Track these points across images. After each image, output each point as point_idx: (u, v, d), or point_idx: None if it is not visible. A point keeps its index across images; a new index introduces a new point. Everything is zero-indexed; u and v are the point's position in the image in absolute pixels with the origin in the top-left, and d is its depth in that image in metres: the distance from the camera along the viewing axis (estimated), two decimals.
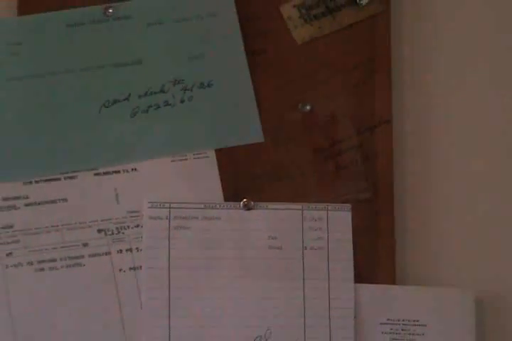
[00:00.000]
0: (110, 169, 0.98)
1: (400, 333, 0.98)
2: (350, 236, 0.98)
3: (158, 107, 0.98)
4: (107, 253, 0.97)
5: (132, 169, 0.97)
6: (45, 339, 0.96)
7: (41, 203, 0.97)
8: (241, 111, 0.99)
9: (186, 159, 0.98)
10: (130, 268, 0.96)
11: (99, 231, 0.97)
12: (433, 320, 0.98)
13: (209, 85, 0.98)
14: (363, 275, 0.98)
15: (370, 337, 0.97)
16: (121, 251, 0.97)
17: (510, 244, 1.02)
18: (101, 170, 0.97)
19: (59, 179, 0.97)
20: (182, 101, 0.98)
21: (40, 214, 0.97)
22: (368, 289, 0.97)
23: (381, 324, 0.97)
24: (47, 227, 0.97)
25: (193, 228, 0.97)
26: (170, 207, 0.97)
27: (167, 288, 0.96)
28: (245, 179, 0.99)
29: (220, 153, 0.99)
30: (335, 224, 0.98)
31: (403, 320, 0.98)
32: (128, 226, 0.97)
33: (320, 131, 1.00)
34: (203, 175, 0.98)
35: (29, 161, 0.97)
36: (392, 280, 0.98)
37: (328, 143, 1.00)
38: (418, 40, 1.03)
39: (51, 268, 0.96)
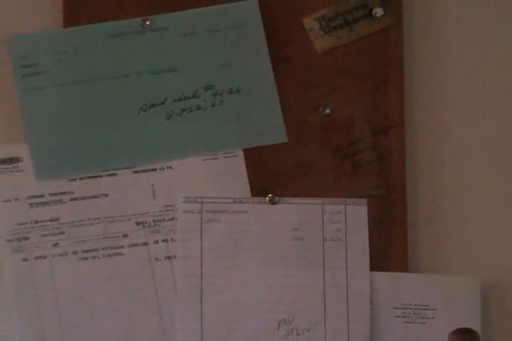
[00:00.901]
0: (147, 167, 1.02)
1: (411, 317, 1.02)
2: (366, 228, 1.02)
3: (191, 111, 1.02)
4: (145, 244, 1.01)
5: (167, 167, 1.02)
6: (87, 324, 1.01)
7: (85, 198, 1.01)
8: (266, 114, 1.03)
9: (217, 158, 1.02)
10: (165, 258, 1.01)
11: (138, 223, 1.01)
12: (442, 305, 1.02)
13: (237, 90, 1.02)
14: (377, 263, 1.02)
15: (384, 320, 1.02)
16: (157, 241, 1.01)
17: None
18: (139, 168, 1.02)
19: (101, 176, 1.01)
20: (213, 106, 1.02)
21: (84, 208, 1.01)
22: (382, 277, 1.02)
23: (394, 308, 1.02)
24: (90, 220, 1.01)
25: (223, 221, 1.01)
26: (202, 202, 1.01)
27: (199, 275, 1.00)
28: (270, 176, 1.03)
29: (247, 152, 1.02)
30: (352, 217, 1.02)
31: (415, 305, 1.02)
32: (164, 219, 1.01)
33: (338, 133, 1.04)
34: (232, 172, 1.02)
35: (74, 160, 1.02)
36: (405, 269, 1.02)
37: (345, 143, 1.04)
38: (429, 49, 1.07)
39: (94, 257, 1.01)
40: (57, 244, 1.01)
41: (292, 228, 1.02)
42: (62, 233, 1.01)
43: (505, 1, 1.08)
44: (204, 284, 1.01)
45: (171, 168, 1.02)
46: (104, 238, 1.01)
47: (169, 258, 1.01)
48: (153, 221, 1.02)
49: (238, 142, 1.02)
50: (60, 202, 1.01)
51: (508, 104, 1.07)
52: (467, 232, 1.05)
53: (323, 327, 1.01)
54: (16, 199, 1.01)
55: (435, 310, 1.02)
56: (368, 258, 1.02)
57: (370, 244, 1.03)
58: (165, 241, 1.01)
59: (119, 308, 1.01)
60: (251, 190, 1.03)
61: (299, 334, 1.01)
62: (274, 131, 1.03)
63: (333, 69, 1.04)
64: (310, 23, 1.03)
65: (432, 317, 1.02)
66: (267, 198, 1.02)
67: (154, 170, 1.02)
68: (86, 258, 1.01)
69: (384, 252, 1.03)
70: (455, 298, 1.03)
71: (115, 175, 1.02)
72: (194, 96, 1.02)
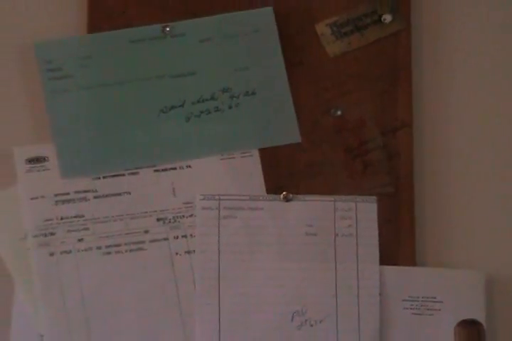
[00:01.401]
0: (168, 166, 1.04)
1: (419, 309, 1.04)
2: (375, 224, 1.04)
3: (209, 113, 1.04)
4: (165, 239, 1.03)
5: (187, 166, 1.04)
6: (110, 315, 1.03)
7: (108, 196, 1.03)
8: (281, 115, 1.05)
9: (234, 157, 1.04)
10: (185, 252, 1.03)
11: (159, 219, 1.03)
12: (448, 298, 1.04)
13: (253, 93, 1.04)
14: (387, 258, 1.04)
15: (393, 312, 1.03)
16: (177, 237, 1.03)
17: None
18: (159, 167, 1.04)
19: (123, 175, 1.03)
20: (230, 107, 1.04)
21: (107, 205, 1.03)
22: (391, 270, 1.04)
23: (403, 301, 1.03)
24: (113, 216, 1.03)
25: (240, 217, 1.03)
26: (219, 199, 1.03)
27: (217, 269, 1.02)
28: (285, 174, 1.05)
29: (262, 152, 1.04)
30: (362, 214, 1.04)
31: (422, 297, 1.04)
32: (183, 216, 1.03)
33: (349, 133, 1.06)
34: (248, 171, 1.04)
35: (98, 159, 1.04)
36: (413, 263, 1.04)
37: (356, 143, 1.05)
38: (436, 53, 1.08)
39: (117, 252, 1.03)
40: (81, 239, 1.03)
41: (305, 224, 1.04)
42: (87, 229, 1.03)
43: (510, 2, 1.08)
44: (221, 277, 1.02)
45: (190, 166, 1.04)
46: (126, 234, 1.03)
47: (188, 252, 1.03)
48: (173, 217, 1.03)
49: (254, 142, 1.04)
50: (85, 199, 1.03)
51: (508, 103, 1.09)
52: (472, 229, 1.07)
53: (334, 319, 1.02)
54: (43, 197, 1.03)
55: (442, 302, 1.04)
56: (377, 252, 1.04)
57: (379, 239, 1.04)
58: (184, 236, 1.03)
59: (141, 300, 1.02)
60: (266, 188, 1.04)
61: (311, 326, 1.02)
62: (288, 132, 1.05)
63: (344, 72, 1.06)
64: (322, 28, 1.05)
65: (439, 309, 1.04)
66: (282, 196, 1.04)
67: (174, 168, 1.04)
68: (109, 253, 1.03)
69: (393, 247, 1.04)
70: (461, 291, 1.04)
71: (137, 173, 1.03)
72: (212, 99, 1.04)
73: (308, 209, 1.04)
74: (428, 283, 1.04)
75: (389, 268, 1.04)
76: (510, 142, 1.09)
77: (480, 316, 1.03)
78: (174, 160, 1.04)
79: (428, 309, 1.04)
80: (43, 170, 1.03)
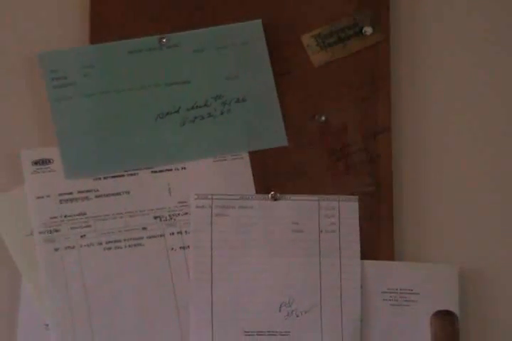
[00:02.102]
0: (164, 168, 1.06)
1: (397, 300, 1.07)
2: (357, 221, 1.07)
3: (203, 118, 1.06)
4: (162, 235, 1.06)
5: (182, 168, 1.06)
6: (111, 306, 1.05)
7: (108, 195, 1.06)
8: (269, 120, 1.08)
9: (225, 160, 1.07)
10: (180, 248, 1.06)
11: (155, 217, 1.06)
12: (424, 290, 1.07)
13: (243, 100, 1.07)
14: (367, 253, 1.07)
15: (373, 303, 1.06)
16: (173, 233, 1.06)
17: (486, 229, 1.11)
18: (157, 169, 1.06)
19: (123, 175, 1.06)
20: (222, 113, 1.07)
21: (108, 204, 1.06)
22: (371, 264, 1.07)
23: (382, 292, 1.07)
24: (113, 214, 1.06)
25: (231, 215, 1.06)
26: (212, 198, 1.06)
27: (210, 263, 1.05)
28: (273, 175, 1.07)
29: (252, 154, 1.07)
30: (345, 212, 1.07)
31: (400, 289, 1.07)
32: (178, 214, 1.06)
33: (333, 137, 1.08)
34: (239, 172, 1.07)
35: (99, 161, 1.06)
36: (392, 257, 1.07)
37: (339, 147, 1.08)
38: (413, 63, 1.11)
39: (116, 247, 1.05)
40: (84, 235, 1.05)
41: (292, 222, 1.07)
42: (89, 226, 1.05)
43: (481, 17, 1.13)
44: (214, 271, 1.05)
45: (184, 168, 1.06)
46: (125, 230, 1.06)
47: (183, 248, 1.06)
48: (169, 215, 1.06)
49: (244, 145, 1.07)
50: (87, 198, 1.06)
51: (480, 110, 1.12)
52: (446, 226, 1.10)
53: (319, 309, 1.05)
54: (48, 196, 1.05)
55: (418, 294, 1.07)
56: (358, 248, 1.06)
57: (360, 236, 1.07)
58: (179, 233, 1.06)
59: (139, 292, 1.05)
60: (255, 188, 1.07)
61: (297, 316, 1.05)
62: (275, 136, 1.07)
63: (328, 81, 1.08)
64: (307, 40, 1.08)
65: (416, 301, 1.07)
66: (270, 195, 1.06)
67: (170, 170, 1.06)
68: (110, 248, 1.05)
69: (373, 243, 1.07)
70: (436, 283, 1.07)
71: (136, 174, 1.06)
72: (205, 105, 1.06)
73: (294, 208, 1.07)
74: (405, 276, 1.07)
75: (369, 263, 1.07)
76: (481, 144, 1.12)
77: (453, 307, 1.06)
78: (170, 162, 1.06)
79: (405, 300, 1.07)
80: (48, 171, 1.05)
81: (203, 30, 1.07)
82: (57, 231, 1.05)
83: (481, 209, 1.11)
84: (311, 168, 1.09)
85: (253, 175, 1.08)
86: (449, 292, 1.07)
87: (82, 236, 1.06)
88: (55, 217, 1.05)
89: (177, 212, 1.07)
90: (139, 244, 1.06)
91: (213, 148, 1.07)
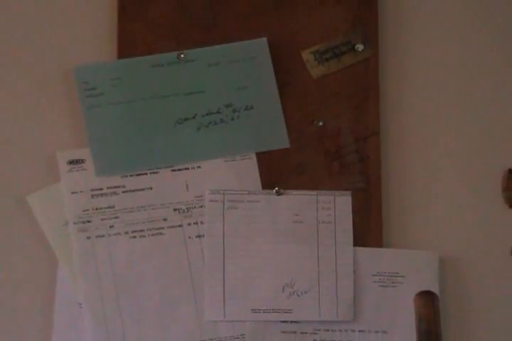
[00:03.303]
0: (182, 167, 1.11)
1: (385, 282, 1.12)
2: (350, 213, 1.12)
3: (216, 123, 1.11)
4: (180, 226, 1.11)
5: (197, 167, 1.11)
6: (136, 287, 1.10)
7: (134, 190, 1.11)
8: (273, 125, 1.12)
9: (235, 160, 1.11)
10: (196, 236, 1.11)
11: (175, 210, 1.11)
12: (409, 273, 1.11)
13: (251, 108, 1.11)
14: (359, 240, 1.12)
15: (364, 284, 1.11)
16: (190, 224, 1.11)
17: (463, 220, 1.16)
18: (176, 168, 1.11)
19: (146, 173, 1.11)
20: (232, 119, 1.11)
21: (133, 198, 1.11)
22: (363, 251, 1.12)
23: (372, 275, 1.12)
24: (138, 207, 1.11)
25: (240, 208, 1.11)
26: (224, 193, 1.11)
27: (222, 250, 1.10)
28: (277, 173, 1.12)
29: (259, 155, 1.12)
30: (340, 205, 1.12)
31: (388, 273, 1.12)
32: (195, 207, 1.11)
33: (329, 140, 1.13)
34: (247, 171, 1.11)
35: (126, 161, 1.11)
36: (380, 245, 1.12)
37: (334, 148, 1.12)
38: (399, 75, 1.17)
39: (141, 236, 1.10)
40: (112, 225, 1.10)
41: (293, 213, 1.11)
42: (117, 217, 1.10)
43: (457, 31, 1.18)
44: (226, 256, 1.10)
45: (200, 167, 1.11)
46: (148, 221, 1.10)
47: (199, 236, 1.11)
48: (187, 208, 1.11)
49: (251, 147, 1.11)
50: (115, 193, 1.11)
51: (456, 117, 1.18)
52: (428, 217, 1.15)
53: (317, 290, 1.11)
54: (81, 192, 1.10)
55: (404, 276, 1.12)
56: (351, 236, 1.11)
57: (353, 226, 1.11)
58: (196, 223, 1.11)
59: (161, 275, 1.09)
60: (261, 184, 1.11)
61: (298, 296, 1.10)
62: (279, 139, 1.12)
63: (324, 91, 1.13)
64: (307, 55, 1.13)
65: (402, 282, 1.12)
66: (274, 191, 1.11)
67: (187, 169, 1.11)
68: (135, 237, 1.10)
69: (364, 232, 1.12)
70: (419, 267, 1.12)
71: (157, 172, 1.11)
72: (218, 112, 1.11)
73: (295, 202, 1.11)
74: (392, 261, 1.12)
75: (361, 249, 1.12)
76: (457, 145, 1.17)
77: (434, 288, 1.12)
78: (187, 161, 1.11)
79: (392, 282, 1.12)
80: (81, 170, 1.10)
81: (216, 47, 1.12)
82: (89, 222, 1.10)
83: (459, 203, 1.16)
84: (310, 167, 1.13)
85: (259, 173, 1.12)
86: (431, 275, 1.12)
87: (110, 227, 1.11)
88: (87, 210, 1.10)
89: (193, 205, 1.11)
90: (160, 233, 1.11)
91: (225, 149, 1.11)
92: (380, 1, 1.16)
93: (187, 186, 1.12)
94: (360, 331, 1.11)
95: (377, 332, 1.12)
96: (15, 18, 1.16)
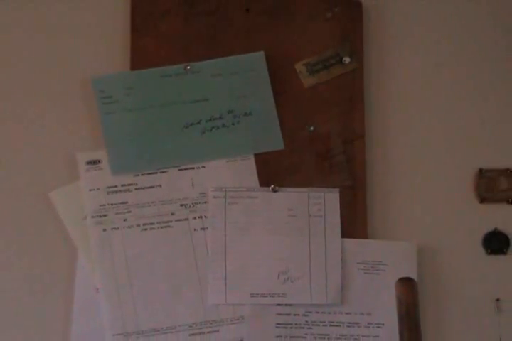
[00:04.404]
0: (188, 166, 1.18)
1: (369, 269, 1.19)
2: (338, 208, 1.18)
3: (218, 128, 1.18)
4: (186, 219, 1.17)
5: (202, 166, 1.18)
6: (147, 274, 1.16)
7: (145, 188, 1.18)
8: (269, 129, 1.18)
9: (236, 160, 1.18)
10: (201, 229, 1.17)
11: (181, 205, 1.18)
12: (391, 261, 1.18)
13: (250, 114, 1.18)
14: (346, 232, 1.19)
15: (351, 271, 1.18)
16: (195, 217, 1.17)
17: (439, 215, 1.22)
18: (182, 167, 1.18)
19: (156, 172, 1.18)
20: (233, 124, 1.18)
21: (144, 194, 1.17)
22: (349, 242, 1.18)
23: (358, 263, 1.18)
24: (148, 203, 1.17)
25: (240, 203, 1.17)
26: (225, 190, 1.18)
27: (223, 241, 1.17)
28: (273, 172, 1.18)
29: (257, 156, 1.18)
30: (329, 200, 1.18)
31: (372, 261, 1.18)
32: (199, 202, 1.18)
33: (319, 143, 1.19)
34: (246, 170, 1.18)
35: (137, 162, 1.17)
36: (365, 236, 1.19)
37: (324, 150, 1.19)
38: (381, 85, 1.24)
39: (151, 228, 1.17)
40: (126, 219, 1.17)
41: (288, 208, 1.18)
42: (130, 212, 1.17)
43: (432, 46, 1.24)
44: (227, 246, 1.17)
45: (204, 167, 1.18)
46: (158, 215, 1.17)
47: (203, 229, 1.17)
48: (192, 203, 1.18)
49: (250, 149, 1.18)
50: (128, 190, 1.18)
51: (432, 121, 1.25)
52: (408, 211, 1.23)
53: (308, 276, 1.17)
54: (98, 189, 1.17)
55: (386, 264, 1.19)
56: (339, 229, 1.18)
57: (341, 219, 1.18)
58: (200, 217, 1.17)
59: (169, 263, 1.16)
60: (259, 182, 1.18)
61: (292, 281, 1.17)
62: (274, 142, 1.18)
63: (315, 99, 1.20)
64: (299, 67, 1.20)
65: (384, 270, 1.19)
66: (270, 188, 1.18)
67: (193, 168, 1.18)
68: (146, 229, 1.17)
69: (350, 224, 1.19)
70: (400, 256, 1.19)
71: (166, 171, 1.18)
72: (220, 118, 1.18)
73: (289, 198, 1.18)
74: (376, 250, 1.19)
75: (348, 240, 1.19)
76: (434, 148, 1.25)
77: (413, 274, 1.19)
78: (193, 162, 1.18)
79: (376, 270, 1.19)
80: (98, 169, 1.18)
81: (219, 59, 1.20)
82: (105, 216, 1.17)
83: (435, 199, 1.24)
84: (302, 167, 1.19)
85: (257, 172, 1.19)
86: (410, 263, 1.19)
87: (124, 220, 1.18)
88: (103, 205, 1.17)
89: (198, 201, 1.18)
90: (169, 226, 1.18)
91: (226, 151, 1.18)
92: (365, 19, 1.24)
93: (192, 184, 1.18)
94: (347, 313, 1.19)
95: (362, 313, 1.19)
96: (44, 36, 1.24)
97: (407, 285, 1.18)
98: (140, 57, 1.20)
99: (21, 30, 1.24)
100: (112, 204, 1.18)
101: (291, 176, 1.19)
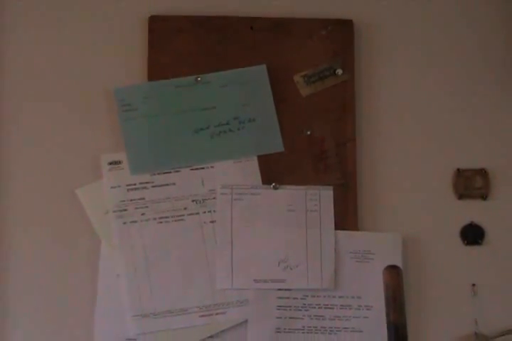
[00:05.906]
0: (199, 166, 1.27)
1: (360, 258, 1.28)
2: (332, 204, 1.28)
3: (225, 132, 1.28)
4: (197, 213, 1.27)
5: (211, 167, 1.28)
6: (162, 262, 1.25)
7: (160, 185, 1.27)
8: (271, 134, 1.28)
9: (241, 161, 1.27)
10: (210, 222, 1.27)
11: (193, 201, 1.27)
12: (379, 251, 1.27)
13: (254, 120, 1.28)
14: (339, 225, 1.28)
15: (343, 260, 1.27)
16: (205, 212, 1.27)
17: (422, 209, 1.31)
18: (194, 167, 1.27)
19: (170, 172, 1.27)
20: (239, 129, 1.28)
21: (160, 191, 1.27)
22: (342, 234, 1.28)
23: (349, 253, 1.28)
24: (163, 199, 1.27)
25: (245, 199, 1.27)
26: (232, 188, 1.27)
27: (230, 232, 1.26)
28: (274, 172, 1.27)
29: (259, 157, 1.28)
30: (324, 197, 1.28)
31: (363, 251, 1.28)
32: (209, 198, 1.27)
33: (315, 146, 1.28)
34: (250, 170, 1.27)
35: (154, 162, 1.27)
36: (356, 228, 1.28)
37: (319, 152, 1.28)
38: (370, 94, 1.32)
39: (166, 222, 1.26)
40: (143, 213, 1.27)
41: (287, 204, 1.27)
42: (147, 207, 1.27)
43: (417, 60, 1.31)
44: (233, 237, 1.27)
45: (213, 167, 1.28)
46: (172, 210, 1.27)
47: (212, 222, 1.27)
48: (202, 199, 1.27)
49: (254, 151, 1.28)
50: (146, 188, 1.27)
51: (415, 125, 1.33)
52: (394, 206, 1.31)
53: (306, 265, 1.26)
54: (119, 186, 1.27)
55: (374, 254, 1.28)
56: (333, 222, 1.28)
57: (334, 213, 1.28)
58: (209, 211, 1.27)
59: (182, 252, 1.25)
60: (262, 180, 1.27)
61: (291, 269, 1.26)
62: (275, 145, 1.28)
63: (312, 106, 1.29)
64: (297, 78, 1.30)
65: (373, 258, 1.28)
66: (272, 186, 1.27)
67: (203, 168, 1.28)
68: (161, 222, 1.26)
69: (343, 218, 1.28)
70: (387, 246, 1.28)
71: (179, 171, 1.27)
72: (227, 124, 1.28)
73: (289, 195, 1.27)
74: (366, 241, 1.28)
75: (340, 232, 1.28)
76: (417, 150, 1.33)
77: (398, 262, 1.28)
78: (203, 163, 1.27)
79: (366, 258, 1.28)
80: (119, 169, 1.27)
81: (226, 71, 1.30)
82: (125, 210, 1.27)
83: (419, 195, 1.33)
84: (300, 167, 1.29)
85: (260, 172, 1.28)
86: (395, 252, 1.29)
87: (142, 214, 1.27)
88: (123, 201, 1.27)
89: (208, 197, 1.28)
90: (182, 219, 1.27)
91: (232, 153, 1.28)
92: (356, 36, 1.33)
93: (203, 182, 1.28)
94: (339, 296, 1.29)
95: (353, 297, 1.28)
96: (74, 53, 1.34)
97: (393, 272, 1.28)
98: (156, 70, 1.30)
99: (55, 48, 1.33)
100: (131, 200, 1.28)
101: (290, 175, 1.28)
